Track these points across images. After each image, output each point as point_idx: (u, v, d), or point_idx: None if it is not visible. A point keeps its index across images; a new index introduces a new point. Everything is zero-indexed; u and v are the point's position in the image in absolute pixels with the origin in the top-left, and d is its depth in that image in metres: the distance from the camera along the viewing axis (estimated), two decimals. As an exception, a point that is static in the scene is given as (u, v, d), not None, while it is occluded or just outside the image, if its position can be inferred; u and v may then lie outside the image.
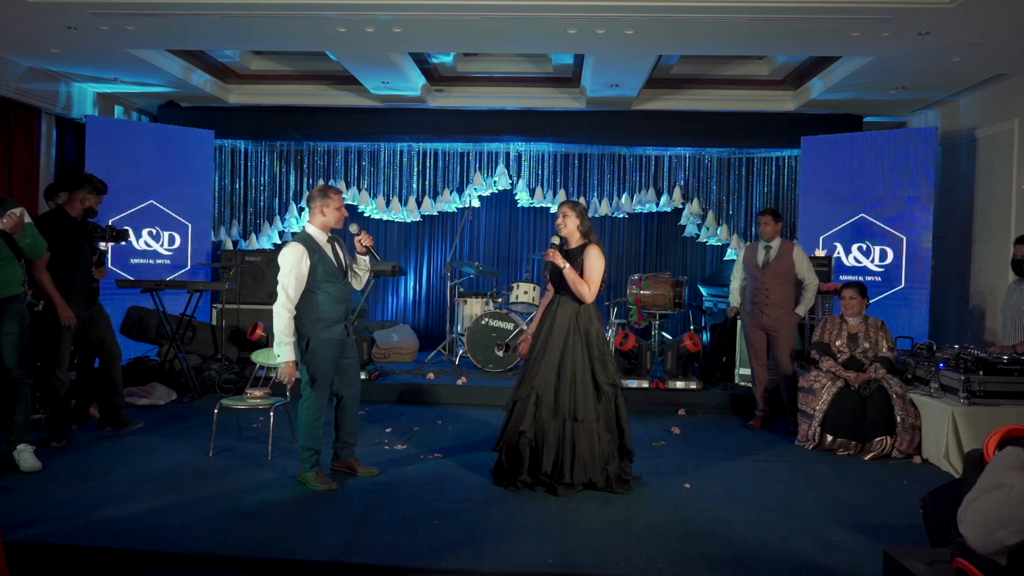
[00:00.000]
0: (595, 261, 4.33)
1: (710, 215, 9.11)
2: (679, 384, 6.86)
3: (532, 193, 9.22)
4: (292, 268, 4.12)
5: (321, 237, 4.27)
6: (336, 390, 4.40)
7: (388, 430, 5.72)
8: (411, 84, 7.74)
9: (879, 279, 7.61)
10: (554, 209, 9.25)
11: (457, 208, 9.31)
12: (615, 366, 4.53)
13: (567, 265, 4.33)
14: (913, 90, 7.40)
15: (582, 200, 9.10)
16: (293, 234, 9.25)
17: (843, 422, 5.30)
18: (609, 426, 4.35)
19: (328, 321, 4.22)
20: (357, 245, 4.43)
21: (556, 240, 4.46)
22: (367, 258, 4.48)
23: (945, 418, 4.93)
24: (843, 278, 7.11)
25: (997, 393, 4.95)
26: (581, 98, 8.29)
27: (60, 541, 3.48)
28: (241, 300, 7.65)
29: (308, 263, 4.15)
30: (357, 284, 4.51)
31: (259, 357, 5.30)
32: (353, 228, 4.49)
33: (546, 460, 4.23)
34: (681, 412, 6.55)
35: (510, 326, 7.41)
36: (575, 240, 4.46)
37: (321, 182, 9.20)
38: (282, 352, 4.13)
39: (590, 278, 4.32)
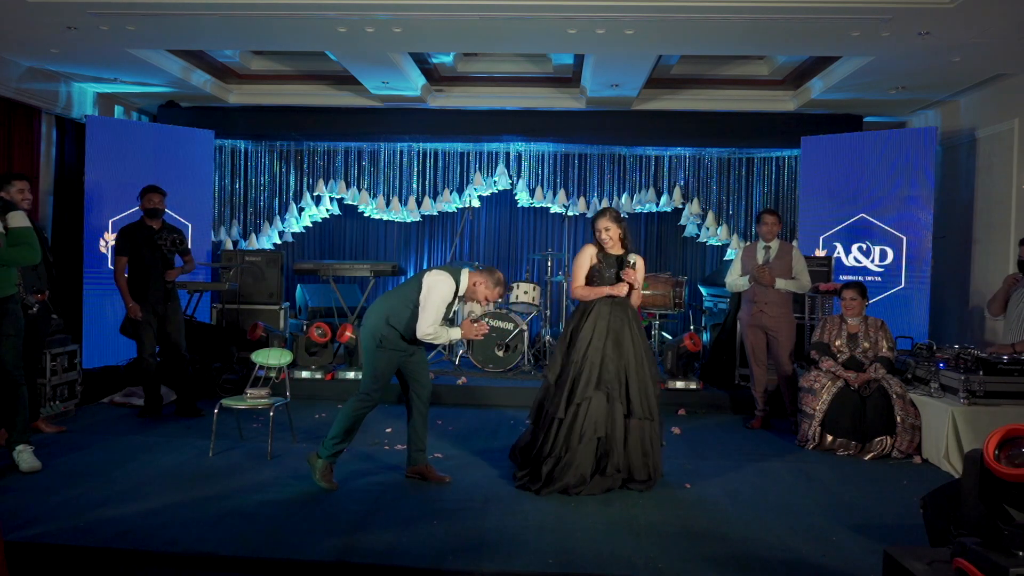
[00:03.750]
0: (643, 268, 4.58)
1: (710, 215, 9.11)
2: (679, 384, 6.86)
3: (532, 193, 9.22)
4: (444, 300, 4.25)
5: (463, 291, 4.37)
6: (409, 395, 4.48)
7: (388, 430, 5.71)
8: (411, 84, 7.74)
9: (879, 279, 7.60)
10: (555, 209, 9.25)
11: (457, 208, 9.31)
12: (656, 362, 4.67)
13: (637, 284, 4.45)
14: (913, 90, 7.39)
15: (581, 201, 9.11)
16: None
17: (843, 422, 5.30)
18: (658, 422, 4.45)
19: (405, 336, 4.30)
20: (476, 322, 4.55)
21: (632, 267, 4.44)
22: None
23: (945, 418, 4.93)
24: (843, 278, 7.11)
25: (997, 393, 4.95)
26: (581, 98, 8.29)
27: (60, 541, 3.48)
28: (241, 300, 7.65)
29: (450, 301, 4.31)
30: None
31: (259, 357, 5.30)
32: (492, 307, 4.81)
33: (615, 459, 4.27)
34: (681, 412, 6.55)
35: (510, 326, 7.41)
36: (617, 248, 4.48)
37: (321, 183, 9.19)
38: (453, 335, 4.37)
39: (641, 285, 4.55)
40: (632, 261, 4.45)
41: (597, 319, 4.37)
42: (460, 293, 4.36)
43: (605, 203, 9.16)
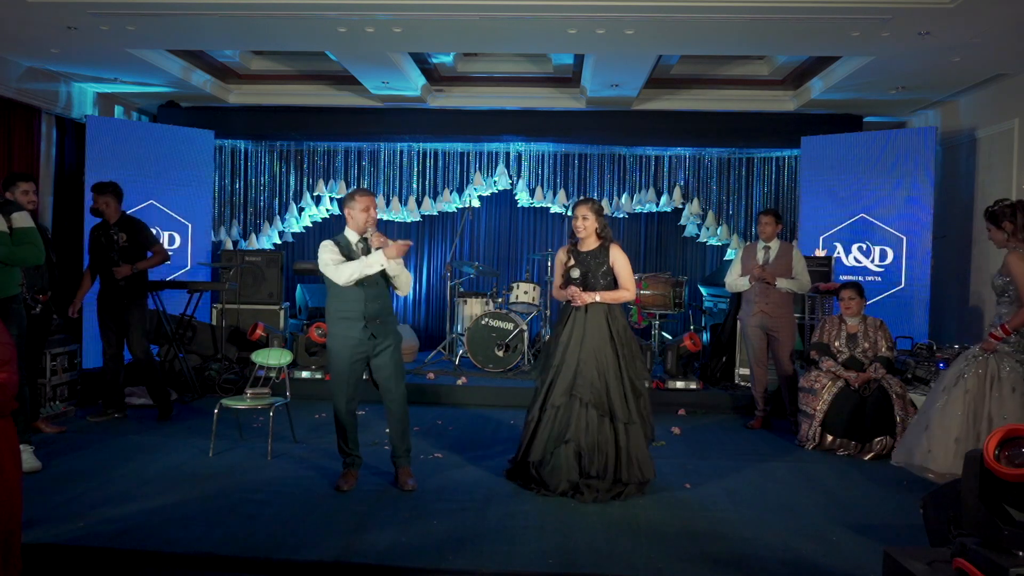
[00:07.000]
0: (624, 261, 4.39)
1: (710, 215, 9.11)
2: (679, 384, 6.86)
3: (532, 193, 9.22)
4: (331, 251, 4.30)
5: (350, 230, 4.37)
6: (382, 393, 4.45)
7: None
8: (411, 84, 7.74)
9: (879, 279, 7.61)
10: (555, 209, 9.25)
11: (457, 208, 9.31)
12: (643, 361, 4.52)
13: (597, 296, 4.31)
14: (913, 90, 7.39)
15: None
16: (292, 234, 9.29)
17: (843, 422, 5.30)
18: (644, 424, 4.35)
19: (345, 317, 4.27)
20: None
21: (576, 273, 4.38)
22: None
23: (945, 418, 4.92)
24: (843, 278, 7.10)
25: (997, 393, 4.94)
26: (581, 98, 8.29)
27: (60, 541, 3.49)
28: (241, 300, 7.65)
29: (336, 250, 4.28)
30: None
31: (259, 357, 5.30)
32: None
33: (597, 463, 4.19)
34: (681, 412, 6.55)
35: (510, 326, 7.41)
36: (591, 242, 4.43)
37: (321, 183, 9.23)
38: (373, 260, 4.21)
39: (626, 281, 4.37)
40: (577, 281, 4.37)
41: (574, 324, 4.35)
42: (348, 235, 4.34)
43: (605, 203, 9.15)
